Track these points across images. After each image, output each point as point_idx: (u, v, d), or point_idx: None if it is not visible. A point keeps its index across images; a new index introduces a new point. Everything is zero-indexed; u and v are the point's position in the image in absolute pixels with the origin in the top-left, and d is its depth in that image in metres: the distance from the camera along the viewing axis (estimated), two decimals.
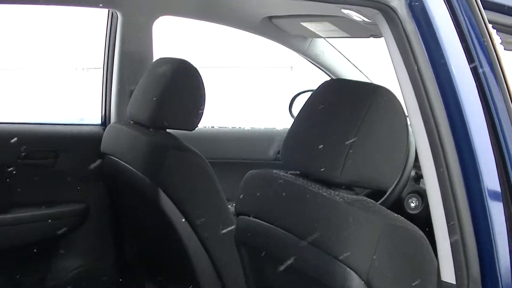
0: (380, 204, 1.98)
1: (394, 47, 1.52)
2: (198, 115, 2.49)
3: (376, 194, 2.62)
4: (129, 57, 3.01)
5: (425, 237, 1.59)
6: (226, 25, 3.02)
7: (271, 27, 2.92)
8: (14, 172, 2.88)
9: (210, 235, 2.39)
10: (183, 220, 2.39)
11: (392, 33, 1.53)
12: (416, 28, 1.50)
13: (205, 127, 3.35)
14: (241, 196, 1.97)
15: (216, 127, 3.48)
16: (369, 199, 1.69)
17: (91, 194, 3.01)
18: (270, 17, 2.85)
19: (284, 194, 1.80)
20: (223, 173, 2.55)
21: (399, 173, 1.67)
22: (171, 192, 2.40)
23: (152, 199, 2.42)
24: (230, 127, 3.51)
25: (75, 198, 3.00)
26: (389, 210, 1.67)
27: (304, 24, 2.74)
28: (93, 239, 3.06)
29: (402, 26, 1.51)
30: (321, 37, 2.99)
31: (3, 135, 2.89)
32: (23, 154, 2.90)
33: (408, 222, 1.63)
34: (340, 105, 1.73)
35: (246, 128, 3.51)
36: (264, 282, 1.98)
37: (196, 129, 2.53)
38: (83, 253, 3.06)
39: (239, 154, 3.32)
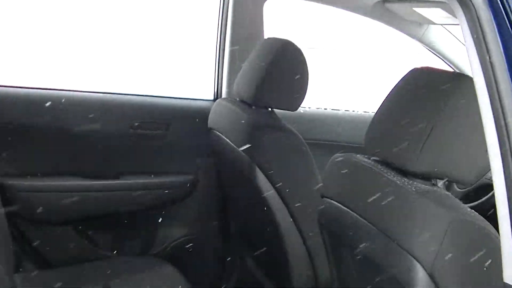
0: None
1: (467, 35, 1.48)
2: (301, 96, 2.53)
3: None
4: (240, 36, 3.09)
5: (497, 235, 1.55)
6: (338, 7, 3.02)
7: (384, 11, 2.90)
8: (126, 141, 3.03)
9: (302, 214, 2.44)
10: (277, 197, 2.45)
11: (466, 19, 1.48)
12: (492, 18, 1.45)
13: (305, 107, 3.38)
14: (325, 179, 2.01)
15: (321, 108, 3.50)
16: (444, 191, 1.67)
17: (199, 167, 3.12)
18: (384, 1, 2.83)
19: (360, 179, 1.82)
20: (322, 155, 2.57)
21: (479, 169, 1.62)
22: (267, 170, 2.46)
23: (249, 176, 2.49)
24: (331, 109, 3.51)
25: (183, 169, 3.13)
26: (463, 205, 1.64)
27: (417, 9, 2.70)
28: (199, 210, 3.19)
29: (476, 13, 1.46)
30: (434, 23, 2.93)
31: (119, 106, 3.06)
32: (136, 124, 3.05)
33: (482, 218, 1.59)
34: (421, 93, 1.72)
35: (348, 111, 3.51)
36: (343, 265, 2.01)
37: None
38: (188, 223, 3.20)
39: (340, 137, 3.32)
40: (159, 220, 3.16)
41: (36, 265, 3.01)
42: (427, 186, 1.66)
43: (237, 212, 3.02)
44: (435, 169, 1.65)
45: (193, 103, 3.21)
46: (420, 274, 1.57)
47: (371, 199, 1.73)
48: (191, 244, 3.17)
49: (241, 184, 2.63)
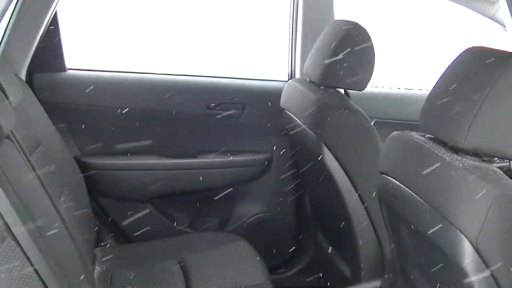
0: None
1: None
2: (367, 76, 2.61)
3: None
4: (311, 19, 3.19)
5: None
6: None
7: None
8: (204, 121, 3.19)
9: (366, 190, 2.52)
10: (344, 176, 2.55)
11: None
12: None
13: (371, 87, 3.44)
14: (382, 156, 2.10)
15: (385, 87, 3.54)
16: (492, 167, 1.72)
17: (274, 146, 3.24)
18: None
19: (412, 156, 1.90)
20: (386, 133, 2.65)
21: None
22: (334, 149, 2.55)
23: (316, 153, 2.60)
24: (396, 88, 3.55)
25: (258, 148, 3.26)
26: (511, 180, 1.69)
27: None
28: (274, 188, 3.30)
29: None
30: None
31: (196, 87, 3.22)
32: (212, 105, 3.20)
33: None
34: (473, 71, 1.77)
35: (411, 90, 3.53)
36: (400, 238, 2.10)
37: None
38: (263, 201, 3.33)
39: (404, 115, 3.35)
40: (236, 198, 3.29)
41: (116, 240, 3.21)
42: (475, 163, 1.72)
43: (309, 189, 3.12)
44: (484, 146, 1.71)
45: (267, 84, 3.33)
46: (466, 247, 1.64)
47: (420, 174, 1.81)
48: (266, 221, 3.30)
49: (310, 161, 2.73)
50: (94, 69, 3.24)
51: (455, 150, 1.75)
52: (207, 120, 3.20)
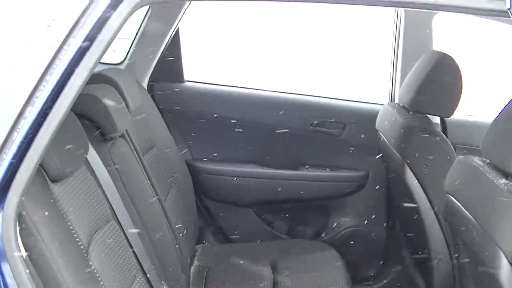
0: None
1: None
2: (454, 105, 2.82)
3: None
4: (411, 47, 3.42)
5: None
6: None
7: None
8: (306, 137, 3.50)
9: (441, 210, 2.73)
10: (423, 195, 2.77)
11: None
12: None
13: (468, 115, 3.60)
14: (448, 177, 2.32)
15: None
16: None
17: (370, 164, 3.47)
18: None
19: (468, 178, 2.12)
20: None
21: None
22: (415, 169, 2.78)
23: (400, 173, 2.84)
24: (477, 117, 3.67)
25: (356, 165, 3.50)
26: None
27: None
28: (368, 204, 3.52)
29: None
30: None
31: (301, 105, 3.54)
32: (315, 122, 3.50)
33: None
34: None
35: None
36: (459, 258, 2.31)
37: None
38: (357, 216, 3.56)
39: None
40: (331, 210, 3.56)
41: (216, 240, 3.56)
42: None
43: (397, 207, 3.34)
44: None
45: (367, 106, 3.58)
46: (503, 261, 1.86)
47: (472, 194, 2.04)
48: (358, 234, 3.55)
49: (397, 180, 2.96)
50: (210, 82, 3.61)
51: (506, 174, 1.96)
52: (309, 136, 3.47)
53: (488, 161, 2.09)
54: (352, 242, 3.51)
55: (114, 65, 3.38)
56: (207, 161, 3.51)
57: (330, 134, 3.50)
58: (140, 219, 2.50)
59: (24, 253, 1.63)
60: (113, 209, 2.30)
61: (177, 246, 2.84)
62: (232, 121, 3.45)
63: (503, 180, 1.92)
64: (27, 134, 1.54)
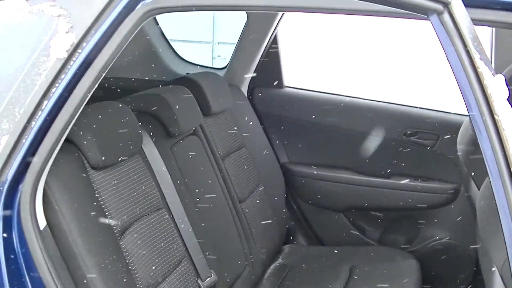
0: None
1: None
2: None
3: None
4: (502, 62, 3.51)
5: None
6: None
7: None
8: (400, 147, 3.67)
9: None
10: None
11: None
12: None
13: None
14: None
15: None
16: None
17: (462, 177, 3.60)
18: None
19: None
20: None
21: None
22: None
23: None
24: None
25: (448, 178, 3.61)
26: None
27: None
28: (458, 217, 3.59)
29: None
30: None
31: (395, 114, 3.74)
32: (409, 132, 3.68)
33: None
34: None
35: None
36: None
37: None
38: (448, 228, 3.66)
39: None
40: (423, 221, 3.71)
41: (306, 241, 3.85)
42: None
43: None
44: None
45: (462, 118, 3.72)
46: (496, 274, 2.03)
47: None
48: (449, 248, 3.67)
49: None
50: (309, 88, 3.93)
51: None
52: (402, 145, 3.64)
53: None
54: (441, 255, 3.59)
55: (217, 69, 3.80)
56: (303, 165, 3.79)
57: (423, 145, 3.65)
58: (198, 213, 2.87)
59: (43, 225, 2.05)
60: (165, 200, 2.68)
61: (245, 241, 3.19)
62: (328, 127, 3.72)
63: None
64: (43, 123, 1.95)
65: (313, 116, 3.69)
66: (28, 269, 1.95)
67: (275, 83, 3.77)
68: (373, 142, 3.62)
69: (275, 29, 3.61)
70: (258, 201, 3.33)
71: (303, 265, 3.38)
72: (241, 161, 3.30)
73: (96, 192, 2.20)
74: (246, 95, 3.71)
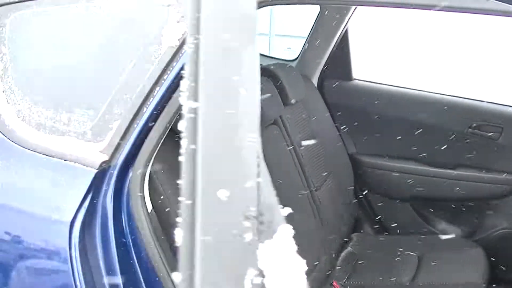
0: None
1: None
2: None
3: None
4: None
5: None
6: None
7: None
8: (465, 139, 3.74)
9: None
10: None
11: None
12: None
13: None
14: None
15: None
16: None
17: None
18: None
19: None
20: None
21: None
22: None
23: None
24: None
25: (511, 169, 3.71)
26: None
27: None
28: None
29: None
30: None
31: (461, 107, 3.79)
32: (474, 125, 3.73)
33: None
34: None
35: None
36: None
37: None
38: (510, 219, 3.76)
39: None
40: (486, 211, 3.77)
41: (373, 230, 3.92)
42: None
43: None
44: None
45: None
46: None
47: None
48: (508, 236, 3.72)
49: None
50: (376, 81, 3.98)
51: None
52: (467, 137, 3.71)
53: None
54: (505, 244, 3.66)
55: (288, 61, 3.86)
56: (370, 155, 3.88)
57: (488, 137, 3.70)
58: (280, 200, 2.94)
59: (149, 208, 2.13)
60: None
61: (321, 230, 3.25)
62: (395, 119, 3.78)
63: None
64: (154, 109, 2.03)
65: (380, 108, 3.75)
66: (136, 252, 2.03)
67: (344, 76, 3.80)
68: (438, 134, 3.62)
69: (347, 22, 3.64)
70: (330, 190, 3.38)
71: (372, 253, 3.46)
72: (314, 151, 3.39)
73: None
74: (316, 86, 3.75)
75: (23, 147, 2.11)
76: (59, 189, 2.03)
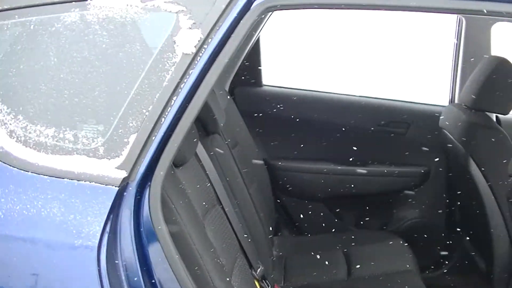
0: None
1: None
2: (510, 103, 3.16)
3: None
4: (471, 53, 3.77)
5: None
6: None
7: None
8: (374, 136, 3.88)
9: (502, 197, 3.06)
10: (485, 183, 3.10)
11: None
12: None
13: None
14: None
15: None
16: None
17: (432, 161, 3.84)
18: None
19: None
20: None
21: None
22: (478, 160, 3.12)
23: (465, 165, 3.17)
24: None
25: (418, 162, 3.87)
26: None
27: None
28: (429, 198, 3.91)
29: None
30: None
31: (368, 106, 3.90)
32: (382, 122, 3.86)
33: None
34: None
35: None
36: None
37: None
38: (418, 209, 3.93)
39: None
40: (396, 203, 3.94)
41: (290, 232, 3.94)
42: None
43: (459, 198, 3.66)
44: None
45: (429, 107, 3.94)
46: None
47: None
48: (421, 225, 3.88)
49: (460, 172, 3.30)
50: (285, 86, 3.99)
51: None
52: (376, 135, 3.85)
53: None
54: (414, 233, 3.84)
55: None
56: (283, 160, 3.91)
57: (396, 133, 3.84)
58: (238, 207, 2.87)
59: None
60: (217, 196, 2.66)
61: (264, 231, 3.20)
62: (306, 122, 3.82)
63: None
64: (172, 119, 1.89)
65: (290, 112, 3.79)
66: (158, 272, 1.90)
67: (254, 83, 3.79)
68: (348, 133, 3.70)
69: (260, 30, 3.63)
70: (255, 196, 3.33)
71: (298, 255, 3.45)
72: (240, 158, 3.31)
73: (184, 188, 2.21)
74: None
75: (23, 170, 1.89)
76: (76, 212, 1.84)
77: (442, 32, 4.31)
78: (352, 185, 3.87)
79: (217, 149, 2.90)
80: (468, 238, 3.61)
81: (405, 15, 4.01)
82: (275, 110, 3.90)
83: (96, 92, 1.95)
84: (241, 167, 3.36)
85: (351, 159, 3.86)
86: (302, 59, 5.51)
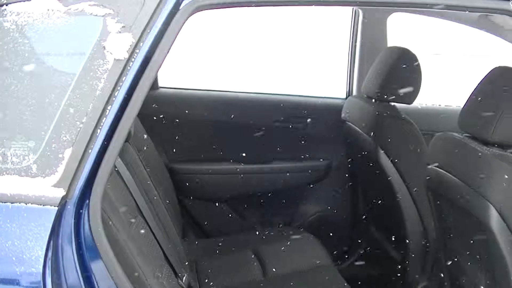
0: None
1: None
2: (415, 92, 3.20)
3: None
4: (367, 45, 3.81)
5: None
6: (449, 20, 3.61)
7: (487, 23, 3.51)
8: (274, 133, 3.85)
9: (413, 183, 3.10)
10: (395, 172, 3.13)
11: None
12: None
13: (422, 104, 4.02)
14: (430, 151, 2.70)
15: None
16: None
17: (333, 154, 3.86)
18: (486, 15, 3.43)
19: (453, 149, 2.52)
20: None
21: None
22: (387, 150, 3.15)
23: (373, 155, 3.19)
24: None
25: (320, 156, 3.89)
26: None
27: None
28: (332, 191, 3.93)
29: None
30: None
31: (267, 103, 3.87)
32: (281, 118, 3.83)
33: None
34: (499, 85, 2.39)
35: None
36: (442, 216, 2.69)
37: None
38: (322, 202, 3.94)
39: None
40: (300, 198, 3.92)
41: (196, 235, 3.86)
42: (500, 152, 2.32)
43: (365, 188, 3.69)
44: (507, 139, 2.31)
45: (328, 100, 3.96)
46: (492, 211, 2.24)
47: (459, 162, 2.42)
48: (326, 218, 3.89)
49: (367, 163, 3.32)
50: (181, 87, 3.88)
51: (485, 143, 2.34)
52: (277, 131, 3.82)
53: (466, 135, 2.47)
54: (321, 226, 3.86)
55: None
56: (182, 162, 3.81)
57: (296, 128, 3.83)
58: (156, 216, 2.75)
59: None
60: (138, 206, 2.54)
61: (179, 236, 3.10)
62: (205, 123, 3.73)
63: (485, 147, 2.30)
64: (108, 130, 1.76)
65: (188, 113, 3.70)
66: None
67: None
68: (247, 131, 3.65)
69: None
70: (165, 200, 3.23)
71: (208, 258, 3.35)
72: (146, 162, 3.18)
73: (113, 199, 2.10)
74: None
75: None
76: (14, 237, 1.68)
77: (337, 25, 4.34)
78: (253, 184, 3.83)
79: (130, 157, 2.77)
80: (376, 228, 3.65)
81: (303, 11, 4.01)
82: (172, 112, 3.78)
83: (22, 106, 1.79)
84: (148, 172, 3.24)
85: (252, 158, 3.81)
86: (198, 59, 5.43)
